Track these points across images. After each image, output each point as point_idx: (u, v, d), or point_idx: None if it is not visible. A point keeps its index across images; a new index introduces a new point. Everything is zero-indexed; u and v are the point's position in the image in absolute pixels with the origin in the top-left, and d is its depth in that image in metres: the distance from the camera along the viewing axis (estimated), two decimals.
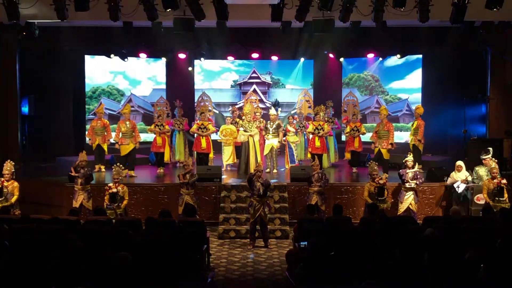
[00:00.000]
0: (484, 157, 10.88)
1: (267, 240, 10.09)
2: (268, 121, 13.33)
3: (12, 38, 13.37)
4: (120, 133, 13.07)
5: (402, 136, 16.47)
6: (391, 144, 12.49)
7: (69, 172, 10.89)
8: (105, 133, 13.58)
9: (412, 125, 13.41)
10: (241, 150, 13.12)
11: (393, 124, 13.54)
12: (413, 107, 14.58)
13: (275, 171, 13.23)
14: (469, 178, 10.86)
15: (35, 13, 10.63)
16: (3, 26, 12.09)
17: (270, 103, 17.82)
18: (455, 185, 10.85)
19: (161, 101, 16.72)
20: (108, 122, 13.94)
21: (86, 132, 14.35)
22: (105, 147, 13.66)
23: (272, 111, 13.72)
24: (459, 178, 10.85)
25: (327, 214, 10.30)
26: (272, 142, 13.19)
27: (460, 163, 11.07)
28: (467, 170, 11.05)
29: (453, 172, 11.04)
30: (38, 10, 10.49)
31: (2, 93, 14.14)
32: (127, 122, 13.17)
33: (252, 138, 12.91)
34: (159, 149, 13.80)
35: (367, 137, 13.99)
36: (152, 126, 13.97)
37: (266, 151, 13.22)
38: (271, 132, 13.19)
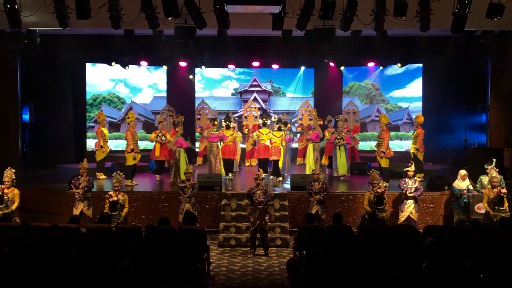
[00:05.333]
0: (487, 166, 10.88)
1: (268, 248, 10.07)
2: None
3: (13, 46, 13.41)
4: (132, 142, 12.82)
5: (402, 145, 16.49)
6: (383, 152, 12.42)
7: (70, 182, 10.84)
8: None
9: (413, 134, 13.42)
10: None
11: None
12: (414, 116, 14.59)
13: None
14: (471, 187, 10.87)
15: (36, 21, 10.66)
16: (4, 33, 12.14)
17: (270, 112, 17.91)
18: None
19: (166, 109, 16.73)
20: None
21: (96, 141, 13.86)
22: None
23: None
24: (462, 187, 10.85)
25: (328, 222, 10.29)
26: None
27: (465, 172, 11.06)
28: (468, 179, 11.05)
29: (456, 181, 11.03)
30: (39, 18, 10.51)
31: (3, 101, 14.15)
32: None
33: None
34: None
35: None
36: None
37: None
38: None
